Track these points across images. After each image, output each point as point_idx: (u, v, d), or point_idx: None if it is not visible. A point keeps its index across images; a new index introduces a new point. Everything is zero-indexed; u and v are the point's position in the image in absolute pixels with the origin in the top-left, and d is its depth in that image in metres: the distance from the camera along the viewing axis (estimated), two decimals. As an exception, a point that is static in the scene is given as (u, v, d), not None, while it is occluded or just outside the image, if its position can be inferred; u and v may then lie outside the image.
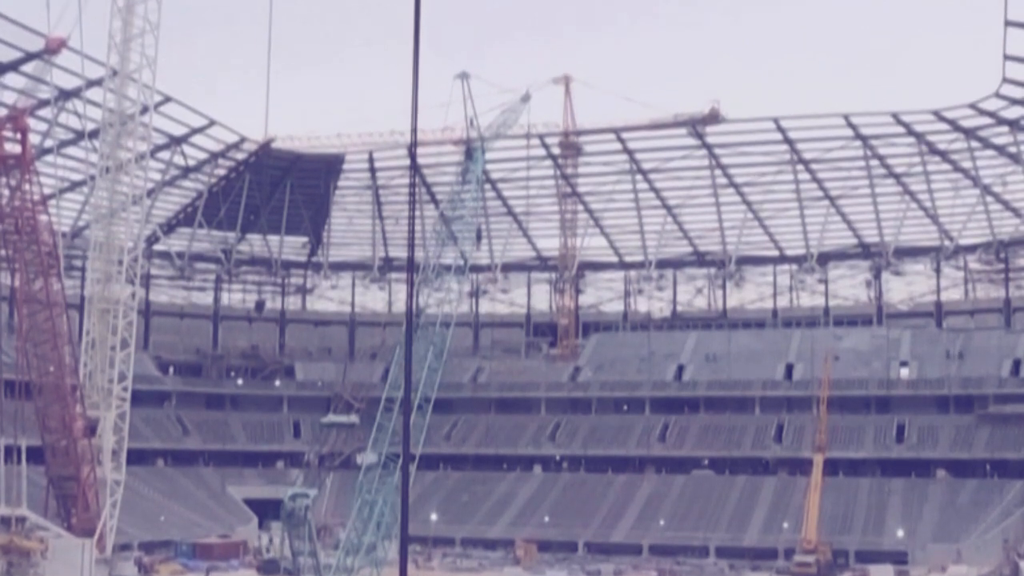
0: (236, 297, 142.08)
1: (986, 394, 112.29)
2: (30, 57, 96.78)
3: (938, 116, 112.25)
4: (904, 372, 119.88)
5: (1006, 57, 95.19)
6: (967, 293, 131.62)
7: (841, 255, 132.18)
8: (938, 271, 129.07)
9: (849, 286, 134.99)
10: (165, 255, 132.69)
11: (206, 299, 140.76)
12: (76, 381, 70.10)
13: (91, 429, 71.18)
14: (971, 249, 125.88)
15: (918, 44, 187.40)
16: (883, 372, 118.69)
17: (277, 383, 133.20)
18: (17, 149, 64.21)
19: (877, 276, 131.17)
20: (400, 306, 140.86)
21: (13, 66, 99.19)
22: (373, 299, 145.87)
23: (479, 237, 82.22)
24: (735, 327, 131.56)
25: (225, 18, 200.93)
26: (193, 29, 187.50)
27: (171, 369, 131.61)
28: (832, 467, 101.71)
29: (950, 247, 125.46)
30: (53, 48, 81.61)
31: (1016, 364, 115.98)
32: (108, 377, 71.59)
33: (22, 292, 67.22)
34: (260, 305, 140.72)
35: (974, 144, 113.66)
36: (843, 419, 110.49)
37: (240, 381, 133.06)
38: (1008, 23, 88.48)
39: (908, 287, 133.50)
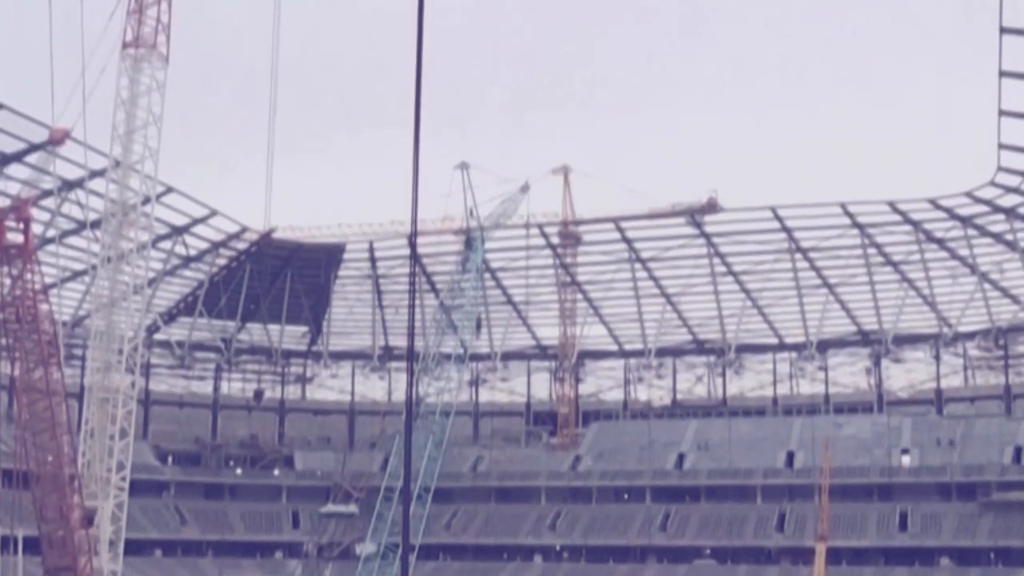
0: (236, 386, 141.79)
1: (988, 481, 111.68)
2: (34, 148, 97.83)
3: (934, 204, 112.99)
4: (905, 459, 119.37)
5: (1001, 146, 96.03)
6: (967, 380, 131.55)
7: (840, 343, 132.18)
8: (937, 358, 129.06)
9: (849, 373, 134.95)
10: (165, 344, 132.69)
11: (206, 388, 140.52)
12: (75, 471, 69.69)
13: (89, 519, 70.61)
14: (970, 336, 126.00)
15: (913, 133, 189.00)
16: (884, 459, 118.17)
17: (276, 472, 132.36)
18: (20, 239, 64.35)
19: (877, 363, 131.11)
20: (400, 395, 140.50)
21: (17, 157, 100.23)
22: (373, 388, 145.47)
23: (479, 326, 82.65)
24: (735, 415, 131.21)
25: (227, 110, 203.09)
26: (195, 120, 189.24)
27: (170, 458, 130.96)
28: (835, 556, 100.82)
29: (949, 334, 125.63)
30: (57, 139, 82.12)
31: (1018, 451, 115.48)
32: (107, 467, 71.14)
33: (22, 381, 67.03)
34: (259, 394, 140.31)
35: (971, 232, 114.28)
36: (845, 507, 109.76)
37: (239, 470, 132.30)
38: (1002, 112, 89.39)
39: (908, 374, 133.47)
